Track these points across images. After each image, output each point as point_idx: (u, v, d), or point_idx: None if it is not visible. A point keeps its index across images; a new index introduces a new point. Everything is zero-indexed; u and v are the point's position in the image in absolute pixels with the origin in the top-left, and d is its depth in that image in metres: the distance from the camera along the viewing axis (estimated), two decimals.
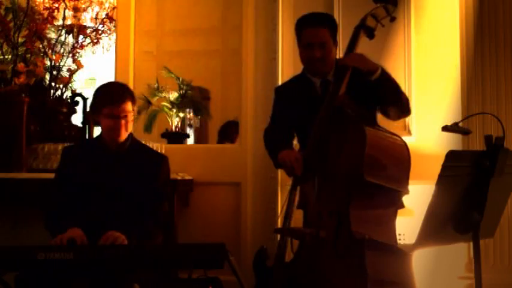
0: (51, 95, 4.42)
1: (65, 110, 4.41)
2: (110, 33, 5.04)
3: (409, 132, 3.84)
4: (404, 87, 3.27)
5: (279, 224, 3.04)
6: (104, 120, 2.78)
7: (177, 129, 4.46)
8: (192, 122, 4.97)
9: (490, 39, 3.75)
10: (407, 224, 2.74)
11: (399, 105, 2.76)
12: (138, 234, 2.66)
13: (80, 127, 4.38)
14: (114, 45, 4.85)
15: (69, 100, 4.44)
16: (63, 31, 4.60)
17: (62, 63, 4.48)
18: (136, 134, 2.95)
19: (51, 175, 2.93)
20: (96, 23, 5.04)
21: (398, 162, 2.63)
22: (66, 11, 4.75)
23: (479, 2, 3.76)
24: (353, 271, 2.51)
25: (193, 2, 5.09)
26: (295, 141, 3.07)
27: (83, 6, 5.00)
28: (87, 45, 4.72)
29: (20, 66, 4.15)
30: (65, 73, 4.46)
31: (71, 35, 4.63)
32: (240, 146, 4.26)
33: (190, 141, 5.07)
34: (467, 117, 3.20)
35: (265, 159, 3.98)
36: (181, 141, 4.55)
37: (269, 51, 4.13)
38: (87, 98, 4.15)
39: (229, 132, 4.97)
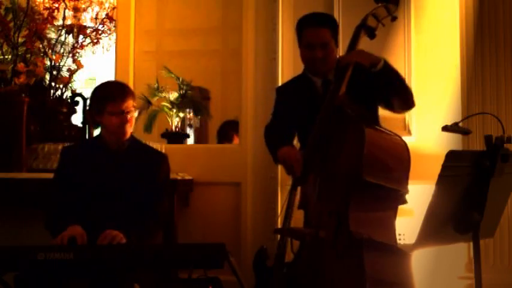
0: (51, 95, 4.43)
1: (65, 110, 4.41)
2: (110, 33, 5.04)
3: (409, 132, 3.84)
4: None
5: (279, 224, 3.04)
6: (108, 118, 2.77)
7: (177, 129, 4.46)
8: (192, 122, 4.97)
9: (490, 39, 3.75)
10: (407, 224, 2.74)
11: (403, 95, 2.75)
12: (139, 233, 2.66)
13: (80, 127, 4.38)
14: (114, 45, 4.85)
15: (69, 100, 4.44)
16: (63, 31, 4.60)
17: (62, 63, 4.48)
18: (137, 134, 2.95)
19: (51, 175, 2.93)
20: (96, 23, 5.04)
21: (397, 162, 2.63)
22: (66, 11, 4.75)
23: (479, 2, 3.76)
24: (352, 271, 2.51)
25: (193, 2, 5.08)
26: (295, 142, 3.07)
27: (83, 6, 5.01)
28: (87, 45, 4.73)
29: (20, 66, 4.15)
30: (65, 73, 4.46)
31: (71, 35, 4.63)
32: (240, 146, 4.26)
33: (190, 141, 5.07)
34: (467, 117, 3.20)
35: (265, 159, 3.99)
36: (181, 141, 4.54)
37: (269, 51, 4.13)
38: (87, 98, 4.15)
39: (227, 131, 4.97)
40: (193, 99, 4.54)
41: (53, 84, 4.42)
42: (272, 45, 4.12)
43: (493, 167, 2.14)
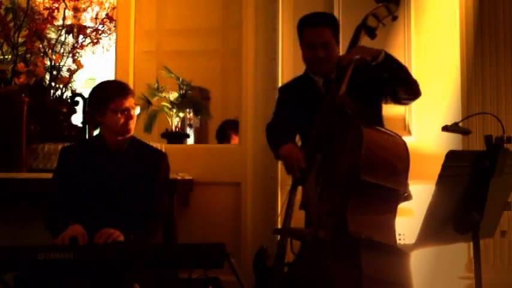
0: (51, 95, 4.42)
1: (65, 110, 4.41)
2: (110, 33, 5.04)
3: (409, 132, 3.84)
4: None
5: (279, 224, 3.05)
6: (111, 117, 2.76)
7: (177, 129, 4.46)
8: (192, 122, 4.96)
9: (490, 39, 3.75)
10: (407, 224, 2.74)
11: (408, 84, 2.74)
12: (139, 233, 2.66)
13: (80, 127, 4.38)
14: (114, 45, 4.85)
15: (69, 100, 4.44)
16: (63, 31, 4.60)
17: (62, 63, 4.48)
18: (137, 134, 2.95)
19: (51, 175, 2.93)
20: (96, 23, 5.04)
21: (396, 162, 2.63)
22: (66, 11, 4.75)
23: (479, 2, 3.76)
24: (349, 271, 2.51)
25: (193, 2, 5.08)
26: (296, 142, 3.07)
27: (83, 6, 5.00)
28: (87, 45, 4.72)
29: (20, 66, 4.14)
30: (65, 73, 4.46)
31: (71, 35, 4.63)
32: (240, 146, 4.26)
33: (190, 141, 5.07)
34: (467, 117, 3.20)
35: (265, 159, 4.00)
36: (181, 141, 4.54)
37: (269, 51, 4.13)
38: (87, 98, 4.15)
39: (226, 131, 4.97)
40: (193, 99, 4.53)
41: (53, 84, 4.42)
42: (272, 45, 4.12)
43: (493, 167, 2.14)
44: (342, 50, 2.94)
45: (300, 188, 2.80)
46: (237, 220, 4.10)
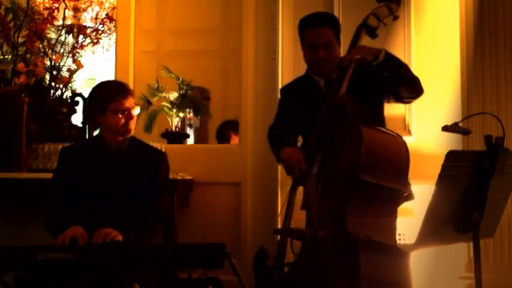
0: (51, 95, 4.43)
1: (65, 110, 4.42)
2: (110, 33, 5.04)
3: (409, 132, 3.84)
4: None
5: (279, 224, 3.04)
6: (111, 117, 2.76)
7: (177, 129, 4.46)
8: (192, 122, 4.97)
9: (490, 39, 3.75)
10: (407, 224, 2.74)
11: (410, 82, 2.74)
12: (139, 233, 2.66)
13: (80, 127, 4.38)
14: (114, 45, 4.85)
15: (69, 100, 4.44)
16: (63, 31, 4.60)
17: (62, 63, 4.48)
18: (137, 134, 2.95)
19: (51, 175, 2.92)
20: (96, 23, 5.04)
21: (396, 162, 2.62)
22: (66, 11, 4.75)
23: (479, 2, 3.76)
24: (349, 271, 2.50)
25: (193, 2, 5.08)
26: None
27: (83, 6, 5.00)
28: (87, 45, 4.73)
29: (20, 66, 4.15)
30: (65, 73, 4.46)
31: (71, 35, 4.63)
32: (240, 146, 4.26)
33: (190, 141, 5.07)
34: (467, 117, 3.20)
35: (265, 159, 4.00)
36: (181, 141, 4.54)
37: (269, 51, 4.13)
38: (87, 99, 4.15)
39: (225, 131, 4.98)
40: (193, 99, 4.53)
41: (53, 84, 4.42)
42: (272, 45, 4.12)
43: (493, 167, 2.14)
44: (342, 50, 2.94)
45: (300, 188, 2.80)
46: (237, 220, 4.11)
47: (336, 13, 3.84)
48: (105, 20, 5.01)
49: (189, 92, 4.47)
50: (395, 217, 2.66)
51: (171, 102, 4.42)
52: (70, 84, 4.48)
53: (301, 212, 2.85)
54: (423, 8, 3.93)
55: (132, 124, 2.81)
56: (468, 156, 2.19)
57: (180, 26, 5.07)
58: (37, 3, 4.68)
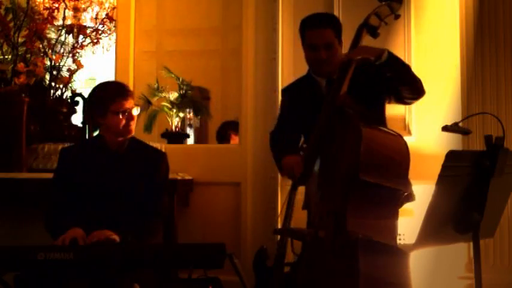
0: (51, 95, 4.42)
1: (65, 110, 4.41)
2: (110, 33, 5.04)
3: (409, 132, 3.84)
4: None
5: (279, 224, 3.05)
6: (112, 118, 2.76)
7: (177, 129, 4.46)
8: (192, 122, 4.97)
9: (490, 39, 3.75)
10: (407, 224, 2.74)
11: (412, 83, 2.73)
12: (139, 233, 2.67)
13: (80, 127, 4.38)
14: (114, 45, 4.85)
15: (69, 100, 4.44)
16: (63, 31, 4.60)
17: (62, 63, 4.48)
18: (137, 134, 2.95)
19: (51, 175, 2.93)
20: (96, 23, 5.04)
21: (396, 162, 2.62)
22: (66, 11, 4.75)
23: (479, 2, 3.76)
24: (348, 271, 2.50)
25: (193, 2, 5.08)
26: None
27: (83, 6, 5.00)
28: (87, 45, 4.72)
29: (20, 66, 4.14)
30: (65, 73, 4.46)
31: (71, 35, 4.62)
32: (240, 146, 4.26)
33: (190, 141, 5.07)
34: (467, 117, 3.20)
35: (265, 159, 4.00)
36: (181, 141, 4.54)
37: (269, 51, 4.13)
38: (87, 100, 4.15)
39: (225, 132, 4.98)
40: (193, 99, 4.53)
41: (53, 84, 4.42)
42: (272, 45, 4.12)
43: (493, 167, 2.14)
44: (344, 50, 2.93)
45: (300, 188, 2.80)
46: (237, 220, 4.10)
47: (336, 13, 3.84)
48: (105, 20, 5.01)
49: (189, 92, 4.47)
50: (396, 217, 2.66)
51: (171, 102, 4.42)
52: (70, 84, 4.47)
53: (301, 212, 2.85)
54: (423, 8, 3.93)
55: (133, 125, 2.81)
56: (468, 156, 2.19)
57: (180, 26, 5.07)
58: (37, 3, 4.67)
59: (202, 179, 4.13)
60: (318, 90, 2.89)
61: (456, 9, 3.84)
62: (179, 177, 3.91)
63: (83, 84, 5.89)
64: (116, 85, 2.89)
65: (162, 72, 4.50)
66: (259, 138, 4.08)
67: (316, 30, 2.81)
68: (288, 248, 2.80)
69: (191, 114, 4.63)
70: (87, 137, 4.22)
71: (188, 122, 4.83)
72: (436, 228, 2.19)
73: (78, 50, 4.58)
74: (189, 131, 4.93)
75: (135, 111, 2.81)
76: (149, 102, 4.44)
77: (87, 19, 5.07)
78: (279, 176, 4.00)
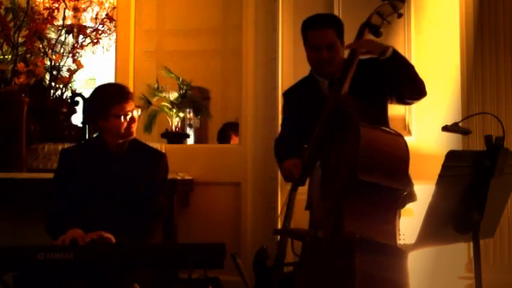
0: (51, 95, 4.42)
1: (65, 110, 4.41)
2: (110, 33, 5.05)
3: (409, 132, 3.84)
4: None
5: (279, 225, 3.04)
6: (114, 121, 2.75)
7: (177, 129, 4.46)
8: (192, 122, 4.97)
9: (490, 39, 3.75)
10: (407, 224, 2.74)
11: (414, 82, 2.73)
12: (139, 232, 2.67)
13: (80, 127, 4.38)
14: (114, 45, 4.86)
15: (69, 100, 4.44)
16: (63, 31, 4.60)
17: (62, 63, 4.48)
18: (137, 134, 2.95)
19: (51, 175, 2.93)
20: (96, 23, 5.04)
21: (395, 161, 2.62)
22: (66, 11, 4.75)
23: (479, 2, 3.76)
24: (345, 271, 2.50)
25: (193, 2, 5.09)
26: None
27: (83, 6, 5.01)
28: (87, 45, 4.73)
29: (20, 66, 4.14)
30: (65, 73, 4.46)
31: (71, 35, 4.63)
32: (240, 146, 4.26)
33: (190, 141, 5.07)
34: (467, 117, 3.20)
35: (265, 159, 4.01)
36: (181, 141, 4.54)
37: (269, 51, 4.13)
38: (87, 98, 4.15)
39: (226, 133, 4.98)
40: (193, 99, 4.53)
41: (53, 84, 4.41)
42: (272, 45, 4.12)
43: (493, 167, 2.14)
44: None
45: (301, 189, 2.81)
46: (237, 220, 4.10)
47: (336, 13, 3.84)
48: (105, 20, 5.01)
49: (189, 92, 4.47)
50: (396, 217, 2.66)
51: (171, 102, 4.42)
52: (70, 84, 4.47)
53: (301, 212, 2.85)
54: (423, 8, 3.93)
55: (134, 127, 2.82)
56: (468, 156, 2.19)
57: (180, 26, 5.08)
58: (37, 3, 4.68)
59: (202, 179, 4.12)
60: (319, 90, 2.88)
61: (456, 9, 3.84)
62: (179, 177, 3.91)
63: (83, 84, 5.89)
64: (116, 88, 2.88)
65: (162, 72, 4.51)
66: (259, 138, 4.08)
67: (318, 30, 2.80)
68: (288, 248, 2.80)
69: (191, 114, 4.63)
70: (87, 137, 4.23)
71: (188, 122, 4.83)
72: (436, 228, 2.19)
73: (78, 50, 4.58)
74: (189, 131, 4.93)
75: (136, 114, 2.81)
76: (149, 102, 4.44)
77: (87, 19, 5.08)
78: (279, 176, 4.00)
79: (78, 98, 4.43)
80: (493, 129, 3.42)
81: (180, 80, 4.46)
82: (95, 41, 4.80)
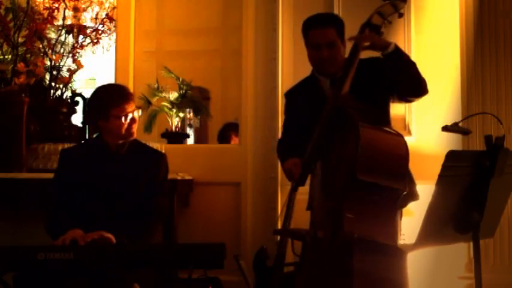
0: (51, 95, 4.42)
1: (65, 110, 4.41)
2: (110, 33, 5.04)
3: (409, 132, 3.84)
4: None
5: (279, 225, 3.05)
6: (114, 122, 2.75)
7: (177, 129, 4.46)
8: (192, 122, 4.96)
9: (490, 39, 3.75)
10: (407, 224, 2.74)
11: (415, 79, 2.72)
12: (139, 232, 2.67)
13: (80, 127, 4.38)
14: (114, 45, 4.86)
15: (69, 100, 4.44)
16: (63, 31, 4.60)
17: (62, 63, 4.48)
18: (137, 134, 2.95)
19: (51, 175, 2.93)
20: (96, 23, 5.04)
21: (395, 161, 2.61)
22: (66, 11, 4.75)
23: (479, 2, 3.76)
24: (345, 271, 2.50)
25: (193, 2, 5.08)
26: None
27: (83, 6, 5.01)
28: (87, 45, 4.73)
29: (20, 66, 4.14)
30: (65, 73, 4.46)
31: (71, 35, 4.63)
32: (240, 146, 4.26)
33: (190, 141, 5.07)
34: (467, 117, 3.20)
35: (265, 159, 4.01)
36: (181, 141, 4.54)
37: (269, 51, 4.13)
38: (87, 98, 4.15)
39: (227, 133, 4.99)
40: (193, 99, 4.53)
41: (53, 84, 4.41)
42: (272, 45, 4.12)
43: (493, 167, 2.14)
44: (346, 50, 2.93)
45: (302, 189, 2.80)
46: (237, 220, 4.10)
47: (336, 13, 3.83)
48: (105, 20, 5.01)
49: (189, 92, 4.47)
50: (397, 217, 2.65)
51: (171, 102, 4.42)
52: (70, 84, 4.47)
53: (301, 212, 2.85)
54: (423, 8, 3.93)
55: (135, 127, 2.82)
56: (468, 156, 2.19)
57: (180, 26, 5.08)
58: (37, 3, 4.68)
59: (202, 179, 4.12)
60: (321, 90, 2.88)
61: (456, 9, 3.84)
62: (179, 177, 3.91)
63: (83, 84, 5.89)
64: (116, 88, 2.88)
65: (162, 72, 4.51)
66: (259, 138, 4.08)
67: (319, 29, 2.80)
68: (288, 248, 2.80)
69: (191, 114, 4.63)
70: (87, 137, 4.23)
71: (188, 122, 4.83)
72: (436, 228, 2.19)
73: (78, 50, 4.58)
74: (189, 131, 4.93)
75: (137, 114, 2.81)
76: (149, 102, 4.44)
77: (87, 19, 5.08)
78: (279, 176, 4.01)
79: (78, 98, 4.44)
80: (493, 129, 3.42)
81: (180, 80, 4.46)
82: (95, 41, 4.80)
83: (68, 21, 4.76)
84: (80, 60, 4.48)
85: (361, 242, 2.46)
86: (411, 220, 2.75)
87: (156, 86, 4.48)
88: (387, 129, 2.73)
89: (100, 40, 4.88)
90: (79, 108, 4.43)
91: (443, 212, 2.17)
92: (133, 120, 2.79)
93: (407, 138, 2.73)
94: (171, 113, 4.43)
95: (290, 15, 4.07)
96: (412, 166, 2.65)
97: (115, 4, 4.97)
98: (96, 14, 5.15)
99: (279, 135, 3.73)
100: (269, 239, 3.64)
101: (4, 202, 3.86)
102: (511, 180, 2.29)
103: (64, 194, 2.78)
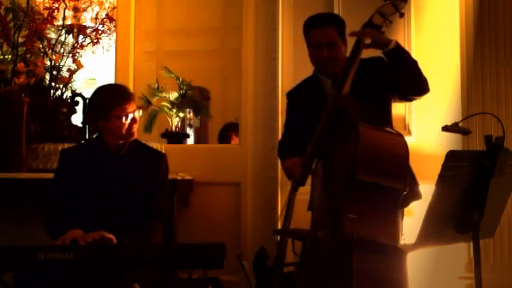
0: (51, 95, 4.42)
1: (65, 110, 4.41)
2: (110, 33, 5.04)
3: (409, 132, 3.84)
4: None
5: (279, 225, 3.05)
6: (115, 123, 2.75)
7: (177, 129, 4.46)
8: (192, 122, 4.96)
9: (490, 39, 3.75)
10: (408, 224, 2.74)
11: (417, 77, 2.72)
12: (139, 232, 2.67)
13: (80, 127, 4.38)
14: (114, 45, 4.85)
15: (69, 100, 4.44)
16: (63, 31, 4.60)
17: (62, 63, 4.48)
18: (137, 134, 2.95)
19: (51, 175, 2.93)
20: (96, 23, 5.04)
21: (395, 161, 2.61)
22: (66, 11, 4.75)
23: (479, 2, 3.77)
24: (344, 271, 2.50)
25: (193, 2, 5.08)
26: None
27: (83, 6, 5.01)
28: (87, 45, 4.73)
29: (20, 66, 4.14)
30: (65, 73, 4.46)
31: (71, 35, 4.63)
32: (240, 146, 4.26)
33: (190, 141, 5.07)
34: (467, 117, 3.20)
35: (265, 159, 4.01)
36: (181, 141, 4.54)
37: (269, 51, 4.13)
38: (87, 98, 4.15)
39: (227, 134, 4.99)
40: (193, 99, 4.53)
41: (53, 84, 4.41)
42: (272, 45, 4.12)
43: (493, 167, 2.14)
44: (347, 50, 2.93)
45: (302, 189, 2.80)
46: (237, 220, 4.10)
47: (336, 13, 3.84)
48: (105, 20, 5.01)
49: (189, 92, 4.47)
50: (398, 217, 2.65)
51: (171, 102, 4.42)
52: (70, 84, 4.47)
53: (302, 213, 2.85)
54: (423, 8, 3.93)
55: (135, 128, 2.82)
56: (468, 156, 2.19)
57: (180, 26, 5.07)
58: (37, 3, 4.68)
59: (202, 179, 4.12)
60: (322, 90, 2.88)
61: (456, 9, 3.84)
62: (179, 177, 3.91)
63: (83, 84, 5.89)
64: (117, 89, 2.87)
65: (162, 72, 4.50)
66: (259, 138, 4.08)
67: (319, 29, 2.80)
68: (288, 248, 2.80)
69: (191, 114, 4.63)
70: (87, 137, 4.23)
71: (188, 122, 4.83)
72: (436, 228, 2.19)
73: (78, 50, 4.58)
74: (189, 131, 4.93)
75: (138, 114, 2.81)
76: (149, 102, 4.44)
77: (87, 19, 5.08)
78: (279, 176, 4.01)
79: (78, 98, 4.44)
80: (493, 129, 3.42)
81: (180, 80, 4.46)
82: (95, 41, 4.80)
83: (68, 21, 4.76)
84: (80, 60, 4.48)
85: (361, 242, 2.46)
86: (411, 220, 2.75)
87: (156, 86, 4.48)
88: (387, 129, 2.73)
89: (100, 40, 4.88)
90: (79, 108, 4.43)
91: (443, 212, 2.17)
92: (134, 120, 2.79)
93: (407, 138, 2.73)
94: (171, 113, 4.43)
95: (290, 15, 4.08)
96: (412, 166, 2.66)
97: (115, 4, 4.97)
98: (96, 14, 5.15)
99: (279, 135, 3.74)
100: (269, 239, 3.64)
101: (4, 202, 3.86)
102: (511, 180, 2.29)
103: (64, 194, 2.78)
